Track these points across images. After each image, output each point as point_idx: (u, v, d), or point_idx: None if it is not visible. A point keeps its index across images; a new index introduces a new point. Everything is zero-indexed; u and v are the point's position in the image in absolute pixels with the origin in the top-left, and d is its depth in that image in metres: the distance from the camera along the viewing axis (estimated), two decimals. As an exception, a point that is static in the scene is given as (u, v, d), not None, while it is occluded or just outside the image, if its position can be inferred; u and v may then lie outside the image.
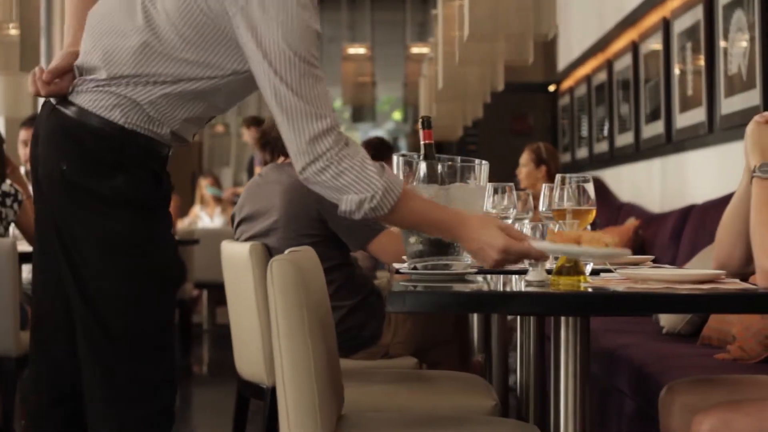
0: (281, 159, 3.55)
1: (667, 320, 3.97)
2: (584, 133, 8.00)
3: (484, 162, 2.30)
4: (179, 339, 7.34)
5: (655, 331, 4.01)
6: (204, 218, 9.28)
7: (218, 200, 9.36)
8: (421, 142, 2.31)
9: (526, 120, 10.09)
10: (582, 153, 8.09)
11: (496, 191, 2.67)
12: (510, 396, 3.79)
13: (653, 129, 5.90)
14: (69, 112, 2.25)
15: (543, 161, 5.87)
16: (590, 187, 2.25)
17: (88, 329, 2.23)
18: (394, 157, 2.29)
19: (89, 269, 2.22)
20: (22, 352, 4.25)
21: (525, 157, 5.94)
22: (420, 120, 2.34)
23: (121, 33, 2.23)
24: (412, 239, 2.25)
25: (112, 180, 2.22)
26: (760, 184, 2.11)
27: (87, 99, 2.24)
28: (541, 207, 2.41)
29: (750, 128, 2.20)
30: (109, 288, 2.22)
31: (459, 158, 2.31)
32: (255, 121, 8.03)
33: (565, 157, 8.65)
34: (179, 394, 6.10)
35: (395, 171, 2.28)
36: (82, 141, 2.24)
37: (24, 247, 4.51)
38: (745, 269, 2.28)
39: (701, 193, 5.03)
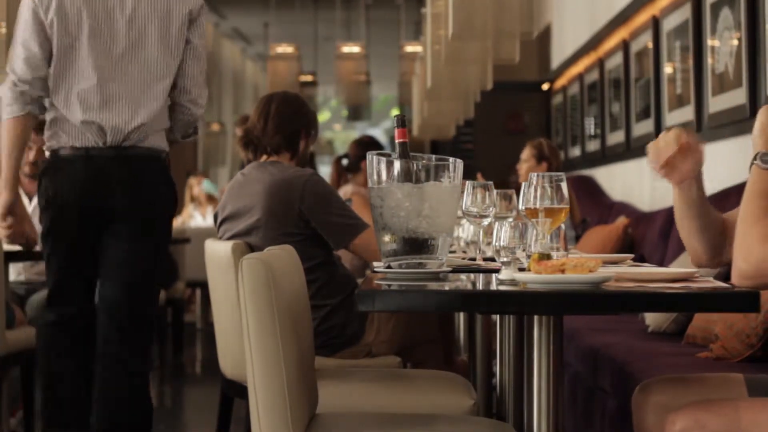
0: (264, 158, 3.55)
1: (652, 319, 3.96)
2: (577, 131, 8.00)
3: (458, 160, 2.29)
4: (172, 338, 7.34)
5: (640, 330, 4.01)
6: (197, 217, 9.28)
7: (211, 199, 9.36)
8: (396, 141, 2.30)
9: (520, 118, 10.09)
10: (575, 152, 8.09)
11: (475, 189, 2.65)
12: (493, 395, 3.79)
13: (643, 127, 5.90)
14: (140, 157, 3.32)
15: (544, 157, 5.84)
16: (564, 186, 2.24)
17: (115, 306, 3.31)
18: (368, 156, 2.28)
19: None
20: (9, 351, 4.24)
21: (526, 153, 5.90)
22: (394, 118, 2.33)
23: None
24: (387, 238, 2.24)
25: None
26: (756, 174, 2.03)
27: (152, 141, 3.32)
28: (520, 205, 2.40)
29: (762, 112, 2.09)
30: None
31: (434, 157, 2.30)
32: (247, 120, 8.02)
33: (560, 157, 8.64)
34: (172, 393, 6.13)
35: (369, 169, 2.27)
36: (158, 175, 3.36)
37: (11, 246, 4.49)
38: (716, 259, 2.29)
39: (690, 191, 5.02)
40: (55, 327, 3.36)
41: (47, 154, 3.34)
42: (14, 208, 3.28)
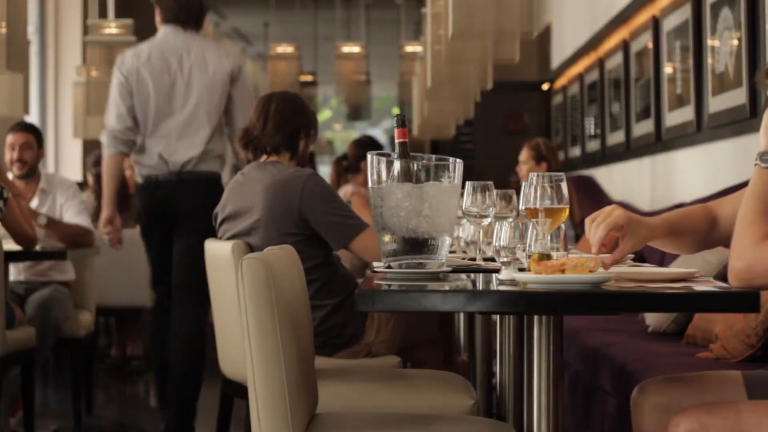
0: (264, 157, 3.55)
1: (652, 319, 3.96)
2: (577, 131, 8.00)
3: (458, 160, 2.29)
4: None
5: (640, 330, 4.01)
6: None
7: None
8: (396, 141, 2.30)
9: (520, 118, 10.09)
10: (575, 152, 8.09)
11: (475, 190, 2.65)
12: (493, 395, 3.79)
13: (643, 128, 5.90)
14: (194, 179, 4.58)
15: (543, 157, 5.82)
16: (564, 186, 2.24)
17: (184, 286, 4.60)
18: (368, 156, 2.28)
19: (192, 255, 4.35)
20: (9, 351, 4.24)
21: (524, 155, 5.88)
22: (394, 118, 2.33)
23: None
24: (387, 238, 2.24)
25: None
26: (756, 174, 2.02)
27: (204, 167, 4.61)
28: (520, 206, 2.40)
29: None
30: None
31: (434, 157, 2.30)
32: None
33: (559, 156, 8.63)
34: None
35: (369, 169, 2.27)
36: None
37: (11, 245, 4.49)
38: (710, 246, 2.33)
39: (689, 191, 5.03)
40: (157, 305, 4.79)
41: (140, 179, 4.69)
42: (113, 220, 4.71)
